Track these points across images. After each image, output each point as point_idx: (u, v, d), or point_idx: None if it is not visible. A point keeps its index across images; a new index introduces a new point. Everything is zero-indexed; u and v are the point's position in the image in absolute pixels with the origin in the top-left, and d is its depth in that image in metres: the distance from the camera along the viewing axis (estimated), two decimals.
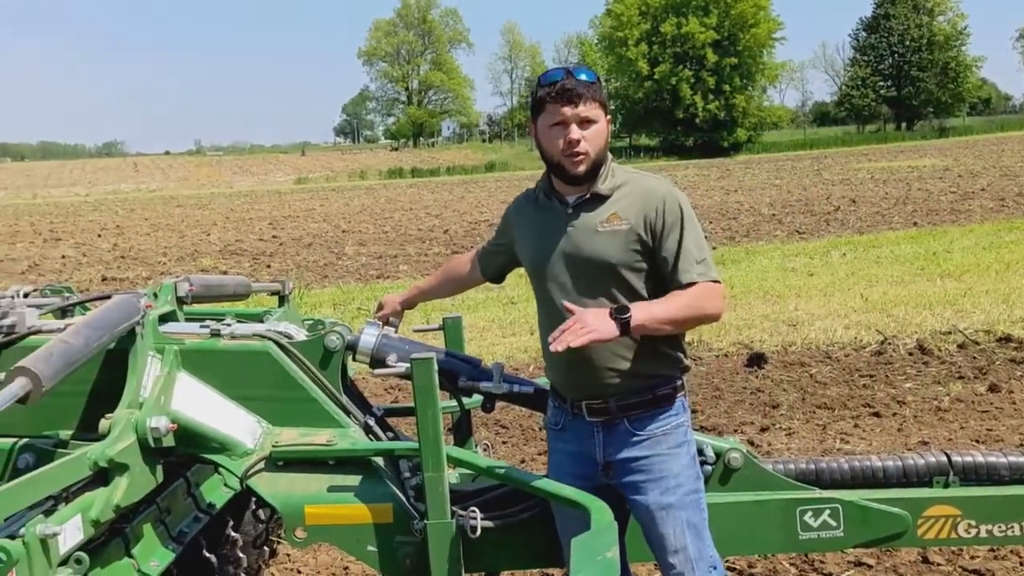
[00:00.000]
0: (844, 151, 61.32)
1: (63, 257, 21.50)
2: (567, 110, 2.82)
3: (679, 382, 2.99)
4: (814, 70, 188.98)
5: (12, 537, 2.41)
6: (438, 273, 3.73)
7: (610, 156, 3.00)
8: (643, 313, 2.72)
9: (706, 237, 2.96)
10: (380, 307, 3.63)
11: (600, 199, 2.90)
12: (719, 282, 2.87)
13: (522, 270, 3.24)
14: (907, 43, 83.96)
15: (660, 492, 2.91)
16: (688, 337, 3.08)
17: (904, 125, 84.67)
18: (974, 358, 8.40)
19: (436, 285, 3.70)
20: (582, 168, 2.86)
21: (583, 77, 2.85)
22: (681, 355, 2.99)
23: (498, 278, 3.49)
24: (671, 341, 2.95)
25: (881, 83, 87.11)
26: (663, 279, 2.87)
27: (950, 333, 9.22)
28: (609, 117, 2.95)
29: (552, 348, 2.65)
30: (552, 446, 3.18)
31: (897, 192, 26.53)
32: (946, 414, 6.98)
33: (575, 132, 2.82)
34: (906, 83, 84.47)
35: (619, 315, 2.69)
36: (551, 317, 2.91)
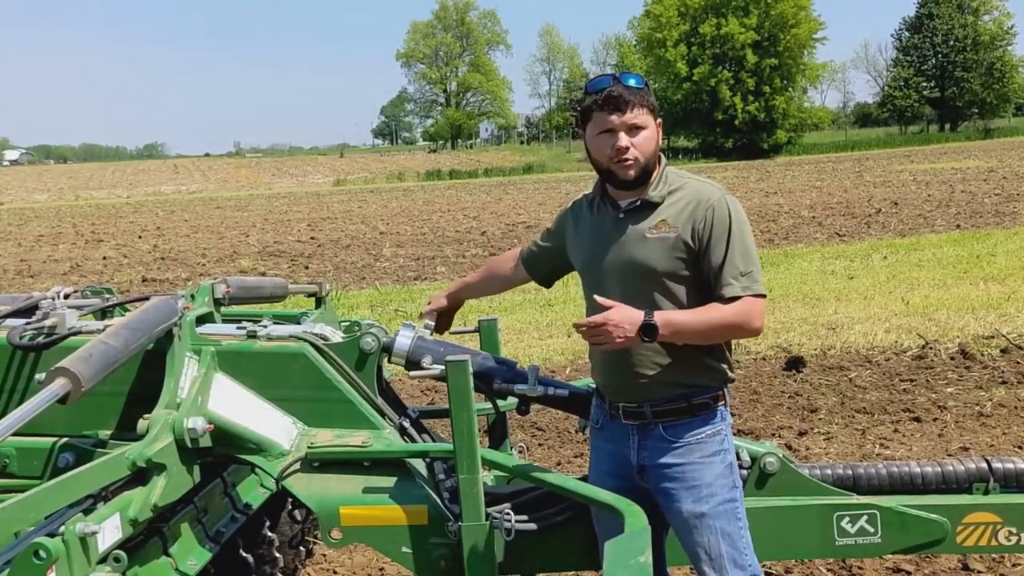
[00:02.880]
0: (886, 152, 60.69)
1: (104, 258, 21.72)
2: (614, 118, 2.83)
3: (718, 392, 2.98)
4: (856, 70, 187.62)
5: (52, 535, 2.45)
6: (482, 270, 3.69)
7: (664, 161, 2.99)
8: (669, 330, 2.77)
9: None
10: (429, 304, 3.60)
11: (651, 206, 2.90)
12: (763, 296, 2.84)
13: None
14: (951, 43, 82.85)
15: (693, 500, 2.90)
16: (730, 344, 3.06)
17: (948, 126, 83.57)
18: (1017, 363, 8.28)
19: (480, 281, 3.65)
20: (632, 173, 2.86)
21: (631, 83, 2.85)
22: (724, 366, 2.98)
23: (547, 281, 3.45)
24: (713, 351, 2.93)
25: (924, 84, 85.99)
26: (708, 287, 2.86)
27: (993, 337, 9.11)
28: (659, 121, 2.93)
29: (583, 335, 2.80)
30: (593, 444, 3.20)
31: (940, 194, 26.21)
32: (988, 420, 6.89)
33: (623, 140, 2.83)
34: (950, 83, 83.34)
35: (646, 336, 2.76)
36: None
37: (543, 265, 3.39)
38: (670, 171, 2.96)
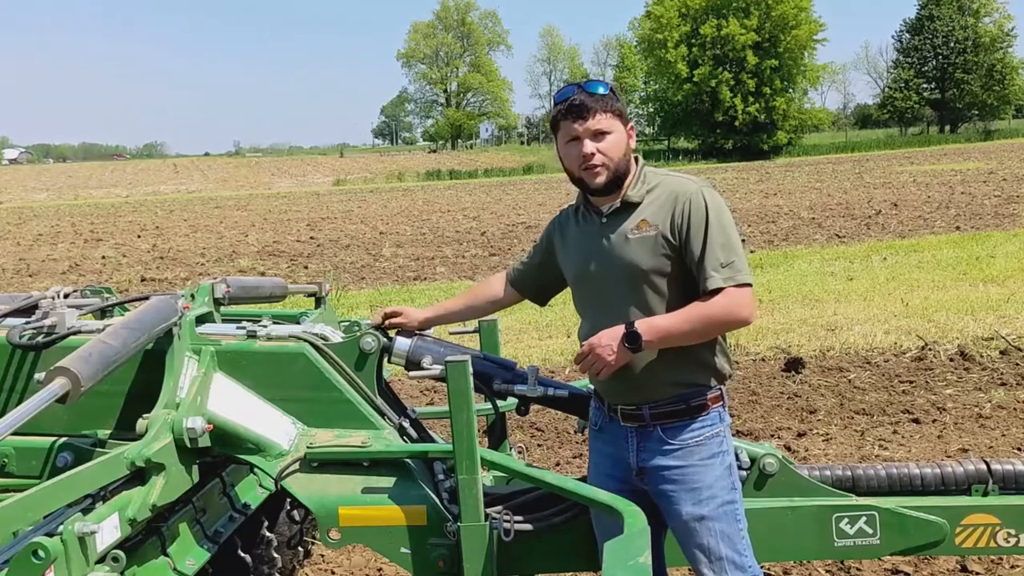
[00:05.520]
0: (886, 154, 60.75)
1: (103, 258, 21.74)
2: (578, 125, 2.85)
3: (716, 392, 2.97)
4: (856, 72, 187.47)
5: (50, 535, 2.45)
6: (464, 295, 3.56)
7: (642, 161, 3.00)
8: (653, 334, 2.78)
9: (743, 240, 2.92)
10: (395, 315, 3.40)
11: (631, 207, 2.90)
12: (748, 285, 2.81)
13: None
14: (951, 45, 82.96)
15: (692, 503, 2.90)
16: (727, 341, 3.05)
17: (948, 128, 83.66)
18: (1017, 364, 8.27)
19: (464, 308, 3.49)
20: (600, 180, 2.88)
21: (594, 90, 2.86)
22: (721, 361, 2.96)
23: (540, 298, 3.40)
24: (709, 349, 2.93)
25: (925, 85, 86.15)
26: (696, 283, 2.86)
27: (992, 339, 9.10)
28: (631, 125, 2.94)
29: (583, 373, 2.85)
30: (592, 446, 3.20)
31: (940, 196, 26.22)
32: (987, 421, 6.89)
33: (588, 146, 2.85)
34: (950, 85, 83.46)
35: (629, 344, 2.77)
36: (592, 326, 2.96)
37: (533, 283, 3.35)
38: (648, 170, 2.96)
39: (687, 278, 2.86)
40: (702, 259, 2.79)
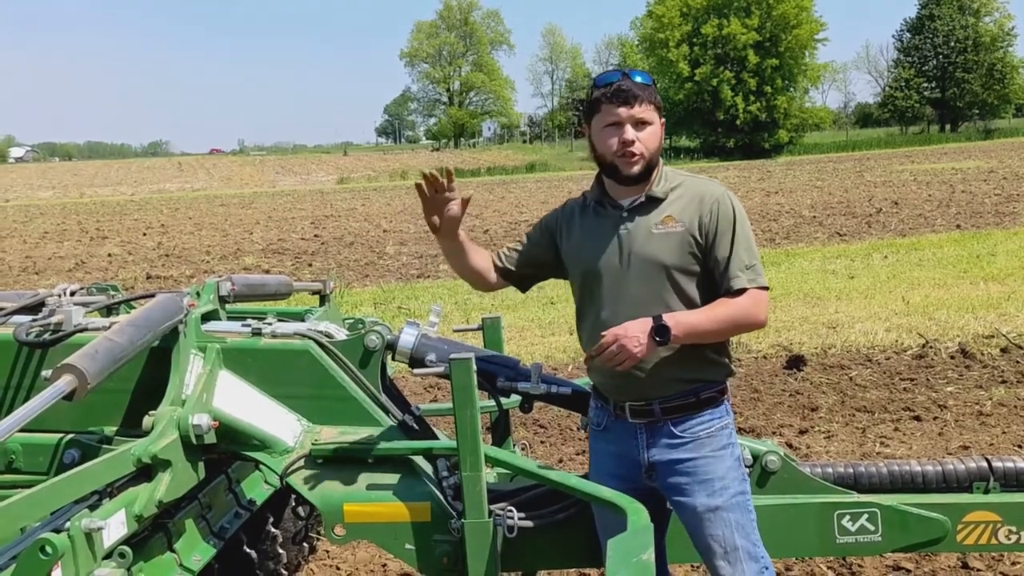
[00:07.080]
0: (887, 153, 60.63)
1: (109, 255, 21.76)
2: (622, 111, 2.83)
3: (723, 385, 3.00)
4: (857, 71, 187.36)
5: (58, 531, 2.47)
6: (479, 253, 3.23)
7: (661, 159, 3.00)
8: (680, 329, 2.76)
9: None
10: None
11: (655, 201, 2.91)
12: (767, 288, 2.88)
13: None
14: (952, 44, 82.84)
15: (707, 494, 2.90)
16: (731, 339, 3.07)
17: (948, 127, 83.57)
18: (1017, 362, 8.28)
19: (470, 254, 3.17)
20: (636, 169, 2.86)
21: (638, 79, 2.87)
22: (726, 359, 3.00)
23: (522, 285, 3.26)
24: (717, 346, 2.95)
25: (925, 84, 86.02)
26: (715, 282, 2.88)
27: (993, 337, 9.10)
28: (663, 120, 2.95)
29: (601, 364, 2.80)
30: (593, 446, 3.17)
31: (940, 194, 26.18)
32: (988, 419, 6.89)
33: (629, 132, 2.83)
34: (951, 84, 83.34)
35: (658, 336, 2.74)
36: (598, 321, 2.93)
37: (519, 270, 3.20)
38: (667, 169, 2.98)
39: (707, 277, 2.89)
40: (729, 260, 2.84)
